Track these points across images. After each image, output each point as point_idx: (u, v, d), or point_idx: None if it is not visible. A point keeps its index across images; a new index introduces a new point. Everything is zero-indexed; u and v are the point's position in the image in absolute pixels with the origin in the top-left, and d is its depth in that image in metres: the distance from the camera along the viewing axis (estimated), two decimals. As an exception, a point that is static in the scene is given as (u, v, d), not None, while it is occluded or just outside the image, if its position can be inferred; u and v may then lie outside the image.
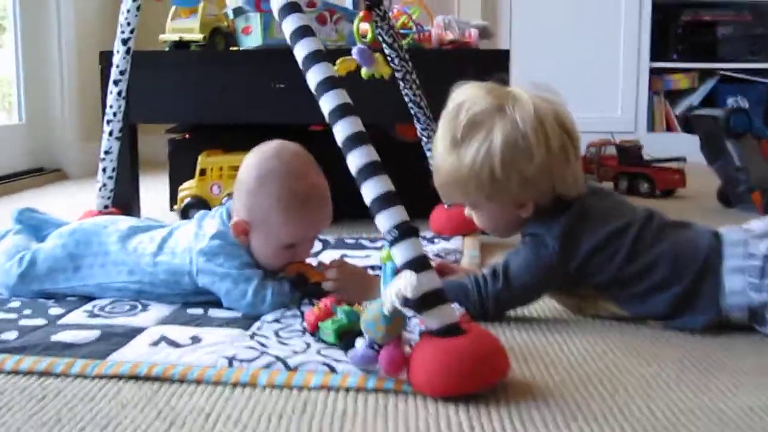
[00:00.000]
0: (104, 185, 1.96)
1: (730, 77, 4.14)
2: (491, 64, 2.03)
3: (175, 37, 2.23)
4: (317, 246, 1.84)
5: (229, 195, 2.12)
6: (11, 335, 1.21)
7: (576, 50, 4.09)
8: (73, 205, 2.40)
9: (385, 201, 1.04)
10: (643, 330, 1.27)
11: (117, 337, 1.19)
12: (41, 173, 3.43)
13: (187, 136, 2.50)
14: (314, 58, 1.12)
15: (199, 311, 1.33)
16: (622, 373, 1.08)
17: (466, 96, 1.32)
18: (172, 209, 2.38)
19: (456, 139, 1.29)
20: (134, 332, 1.21)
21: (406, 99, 1.90)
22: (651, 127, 4.20)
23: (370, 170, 1.05)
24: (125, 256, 1.41)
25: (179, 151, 2.45)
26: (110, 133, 1.93)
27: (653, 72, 4.16)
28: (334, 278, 1.35)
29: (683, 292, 1.25)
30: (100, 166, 1.95)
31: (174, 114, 2.25)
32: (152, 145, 3.06)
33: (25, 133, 3.41)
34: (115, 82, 1.89)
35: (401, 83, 1.89)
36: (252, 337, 1.19)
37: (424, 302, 1.00)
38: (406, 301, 0.99)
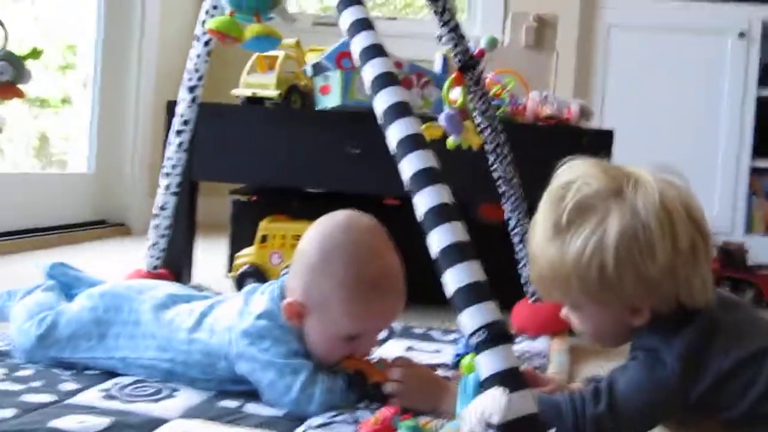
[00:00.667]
0: (155, 243, 1.79)
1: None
2: (593, 145, 1.82)
3: (249, 92, 2.08)
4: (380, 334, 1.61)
5: (289, 267, 1.93)
6: (8, 413, 1.01)
7: (671, 142, 3.84)
8: (132, 261, 2.24)
9: (473, 294, 0.82)
10: (784, 484, 1.00)
11: (129, 430, 0.98)
12: (104, 226, 3.32)
13: (253, 198, 2.33)
14: (397, 111, 0.92)
15: (235, 404, 1.11)
16: None
17: (576, 174, 1.09)
18: (228, 276, 2.19)
19: (560, 224, 1.07)
20: (152, 425, 1.00)
21: (495, 175, 1.69)
22: (749, 228, 3.91)
23: (457, 253, 0.83)
24: (158, 328, 1.21)
25: (243, 215, 2.28)
26: (167, 188, 1.76)
27: (754, 171, 3.89)
28: (397, 380, 1.12)
29: (842, 441, 0.98)
30: (152, 222, 1.78)
31: (240, 173, 2.08)
32: (217, 206, 2.90)
33: (92, 183, 3.31)
34: (178, 133, 1.73)
35: (491, 157, 1.68)
36: (292, 446, 0.97)
37: (514, 431, 0.76)
38: (490, 428, 0.76)
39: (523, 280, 1.76)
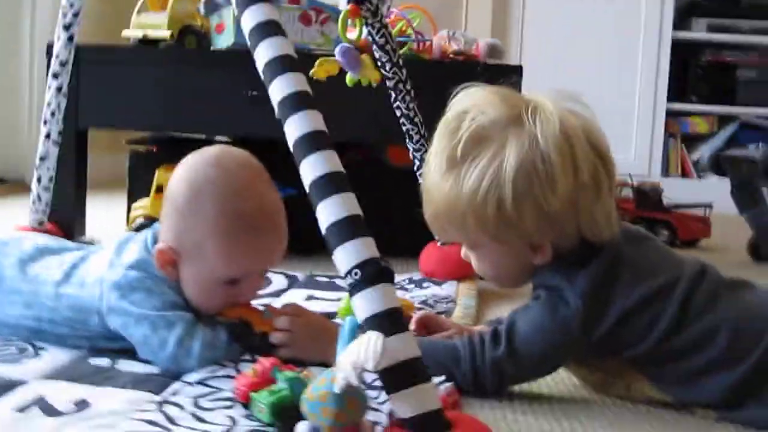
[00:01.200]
0: (38, 197, 1.65)
1: (752, 123, 3.86)
2: (498, 80, 1.74)
3: (140, 33, 1.93)
4: (281, 283, 1.53)
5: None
6: None
7: (589, 86, 3.77)
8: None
9: (346, 229, 0.73)
10: (691, 422, 0.96)
11: (-22, 396, 0.88)
12: (2, 183, 3.14)
13: (152, 149, 2.20)
14: (265, 30, 0.82)
15: (106, 362, 1.01)
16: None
17: (472, 102, 1.02)
18: (126, 230, 2.07)
19: (455, 157, 0.99)
20: (5, 389, 0.90)
21: (398, 113, 1.60)
22: (666, 171, 3.92)
23: (328, 185, 0.75)
24: (23, 283, 1.09)
25: (141, 166, 2.14)
26: (47, 136, 1.62)
27: (670, 114, 3.89)
28: (285, 329, 1.03)
29: (747, 374, 0.94)
30: (35, 174, 1.65)
31: (132, 120, 1.93)
32: (120, 160, 2.76)
33: (-14, 140, 3.12)
34: (55, 75, 1.59)
35: (392, 93, 1.59)
36: (161, 404, 0.87)
37: (393, 378, 0.69)
38: (366, 376, 0.68)
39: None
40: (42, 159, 1.63)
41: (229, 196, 1.01)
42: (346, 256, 0.72)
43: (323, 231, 0.74)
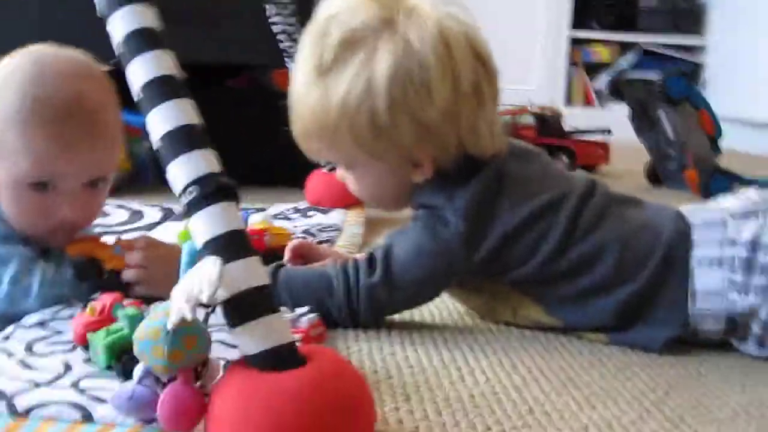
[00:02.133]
0: None
1: (653, 51, 3.87)
2: None
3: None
4: (154, 216, 1.41)
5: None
6: None
7: (489, 14, 3.72)
8: None
9: (181, 140, 0.63)
10: (579, 347, 0.90)
11: None
12: None
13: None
14: None
15: (-65, 309, 0.89)
16: (551, 419, 0.71)
17: (341, 5, 0.92)
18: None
19: (322, 65, 0.89)
20: None
21: (275, 29, 1.48)
22: (569, 100, 3.91)
23: (158, 90, 0.64)
24: None
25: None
26: None
27: (572, 42, 3.86)
28: (137, 265, 0.92)
29: (636, 295, 0.89)
30: None
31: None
32: None
33: None
34: None
35: (269, 8, 1.46)
36: (-13, 352, 0.76)
37: (235, 310, 0.60)
38: (204, 308, 0.59)
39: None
40: None
41: (36, 83, 0.88)
42: (180, 172, 0.62)
43: (155, 143, 0.63)
